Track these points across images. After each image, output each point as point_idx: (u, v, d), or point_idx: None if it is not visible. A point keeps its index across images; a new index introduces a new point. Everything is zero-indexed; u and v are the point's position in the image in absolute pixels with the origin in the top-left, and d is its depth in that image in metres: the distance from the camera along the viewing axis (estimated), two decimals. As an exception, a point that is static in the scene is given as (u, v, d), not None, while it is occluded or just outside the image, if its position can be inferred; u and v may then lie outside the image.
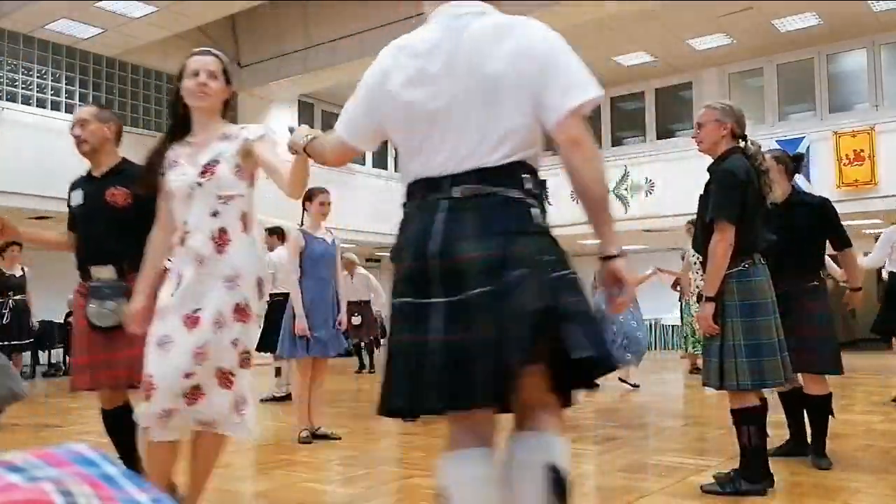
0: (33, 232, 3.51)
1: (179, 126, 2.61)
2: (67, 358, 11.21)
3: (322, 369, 5.16)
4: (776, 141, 10.64)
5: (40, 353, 11.94)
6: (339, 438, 5.02)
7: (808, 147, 11.44)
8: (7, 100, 10.62)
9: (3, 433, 5.60)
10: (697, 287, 6.94)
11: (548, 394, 1.74)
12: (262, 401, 7.48)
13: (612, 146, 14.44)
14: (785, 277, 3.60)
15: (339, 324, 5.10)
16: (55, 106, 11.07)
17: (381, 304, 10.33)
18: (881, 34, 12.14)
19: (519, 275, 1.61)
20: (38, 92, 11.03)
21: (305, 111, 14.75)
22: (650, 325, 14.01)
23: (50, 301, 10.75)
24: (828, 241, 4.08)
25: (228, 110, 2.67)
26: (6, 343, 8.06)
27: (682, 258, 8.43)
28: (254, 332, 2.63)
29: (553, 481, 1.67)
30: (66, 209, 3.24)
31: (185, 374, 2.41)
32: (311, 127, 2.36)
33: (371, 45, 11.81)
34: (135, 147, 3.26)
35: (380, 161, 16.18)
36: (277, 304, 6.90)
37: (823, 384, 3.86)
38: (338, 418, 5.92)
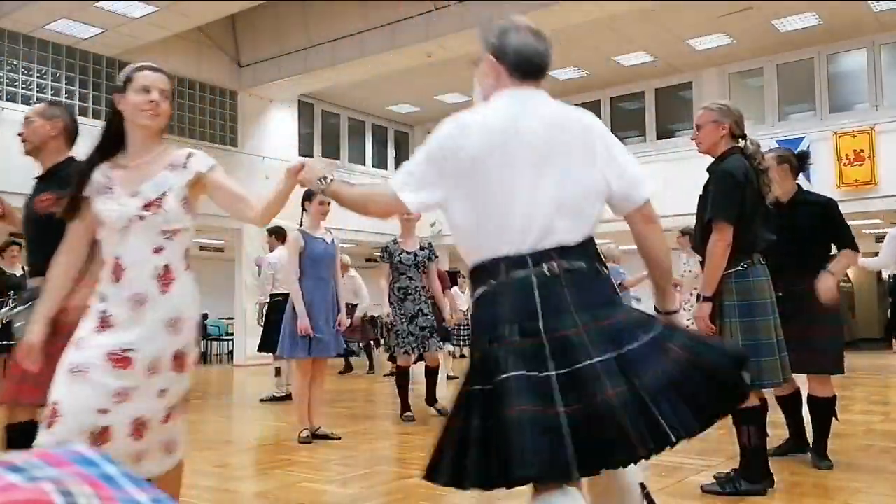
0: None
1: (113, 143, 2.34)
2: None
3: (322, 369, 5.17)
4: (776, 141, 10.63)
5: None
6: (339, 438, 5.02)
7: (808, 147, 11.44)
8: (7, 100, 10.63)
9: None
10: (695, 288, 6.88)
11: None
12: (261, 401, 7.51)
13: (612, 146, 14.43)
14: (787, 277, 3.60)
15: (339, 324, 5.10)
16: (55, 106, 11.08)
17: (365, 308, 10.44)
18: (881, 34, 12.14)
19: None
20: (38, 92, 11.04)
21: (305, 111, 14.46)
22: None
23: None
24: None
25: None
26: (6, 343, 8.05)
27: (682, 275, 8.04)
28: (186, 382, 2.30)
29: (647, 498, 1.92)
30: None
31: (98, 410, 2.11)
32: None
33: (371, 45, 11.84)
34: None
35: (380, 161, 16.18)
36: (277, 305, 6.90)
37: (829, 386, 3.86)
38: (337, 418, 5.93)
